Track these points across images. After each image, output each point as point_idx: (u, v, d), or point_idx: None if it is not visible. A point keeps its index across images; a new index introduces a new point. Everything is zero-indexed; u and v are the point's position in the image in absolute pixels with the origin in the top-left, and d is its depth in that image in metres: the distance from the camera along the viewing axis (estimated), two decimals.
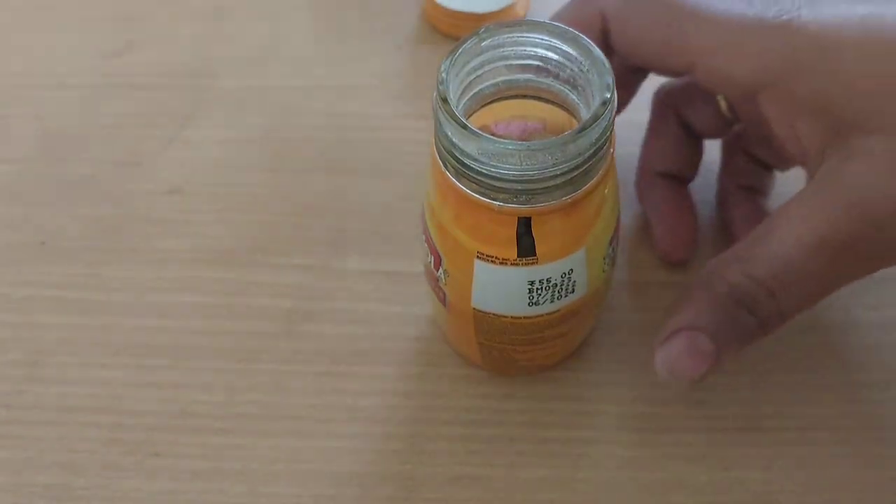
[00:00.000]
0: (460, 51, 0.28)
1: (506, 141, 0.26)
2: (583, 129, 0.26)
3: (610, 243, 0.31)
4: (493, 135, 0.28)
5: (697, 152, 0.37)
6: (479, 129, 0.28)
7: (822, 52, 0.28)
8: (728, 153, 0.38)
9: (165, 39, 0.46)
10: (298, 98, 0.44)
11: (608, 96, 0.27)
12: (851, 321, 0.36)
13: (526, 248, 0.28)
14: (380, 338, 0.37)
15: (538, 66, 0.29)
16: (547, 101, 0.30)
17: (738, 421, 0.34)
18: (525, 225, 0.28)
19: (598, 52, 0.28)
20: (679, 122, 0.36)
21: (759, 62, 0.29)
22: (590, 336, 0.36)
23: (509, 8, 0.45)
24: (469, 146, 0.26)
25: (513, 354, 0.33)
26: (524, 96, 0.30)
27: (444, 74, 0.27)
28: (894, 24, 0.27)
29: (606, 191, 0.29)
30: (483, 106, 0.30)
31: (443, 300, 0.32)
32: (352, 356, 0.37)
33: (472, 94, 0.29)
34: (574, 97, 0.29)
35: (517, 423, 0.35)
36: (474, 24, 0.45)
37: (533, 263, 0.29)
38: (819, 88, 0.28)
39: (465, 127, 0.26)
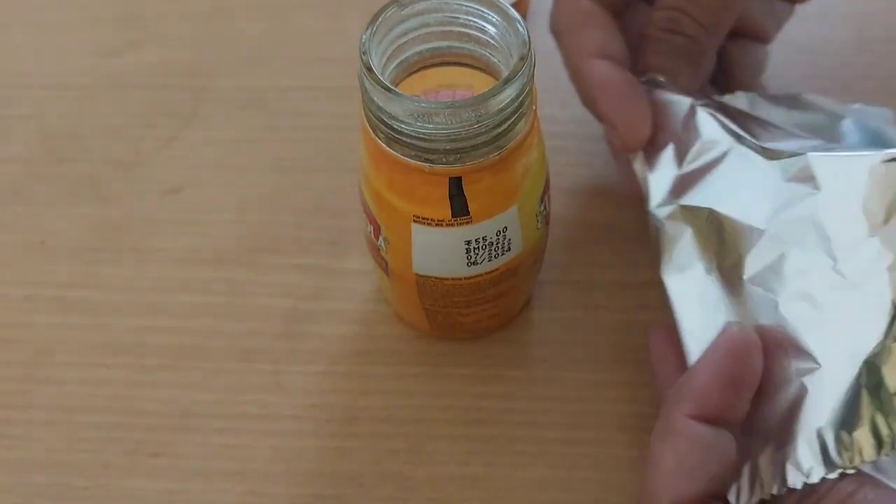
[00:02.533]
0: (381, 19, 0.29)
1: (430, 101, 0.27)
2: (503, 84, 0.27)
3: (541, 200, 0.32)
4: None
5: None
6: None
7: None
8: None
9: (165, 39, 0.46)
10: (298, 98, 0.44)
11: (525, 52, 0.28)
12: None
13: (459, 207, 0.29)
14: (379, 338, 0.37)
15: (459, 31, 0.30)
16: (471, 66, 0.31)
17: None
18: (456, 185, 0.29)
19: (513, 12, 0.29)
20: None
21: None
22: (591, 336, 0.36)
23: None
24: (396, 109, 0.27)
25: (457, 318, 0.34)
26: (449, 63, 0.31)
27: (366, 43, 0.28)
28: None
29: (533, 147, 0.30)
30: (409, 75, 0.31)
31: (386, 269, 0.33)
32: (352, 356, 0.37)
33: (396, 62, 0.30)
34: (496, 60, 0.30)
35: (517, 423, 0.35)
36: None
37: (467, 223, 0.30)
38: None
39: (390, 90, 0.27)
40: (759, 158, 0.31)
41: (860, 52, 0.44)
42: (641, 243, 0.39)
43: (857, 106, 0.35)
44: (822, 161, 0.30)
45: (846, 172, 0.29)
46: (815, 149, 0.31)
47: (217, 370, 0.36)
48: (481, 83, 0.30)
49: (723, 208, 0.31)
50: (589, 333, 0.37)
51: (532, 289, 0.37)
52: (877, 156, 0.29)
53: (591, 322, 0.37)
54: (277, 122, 0.43)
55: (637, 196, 0.35)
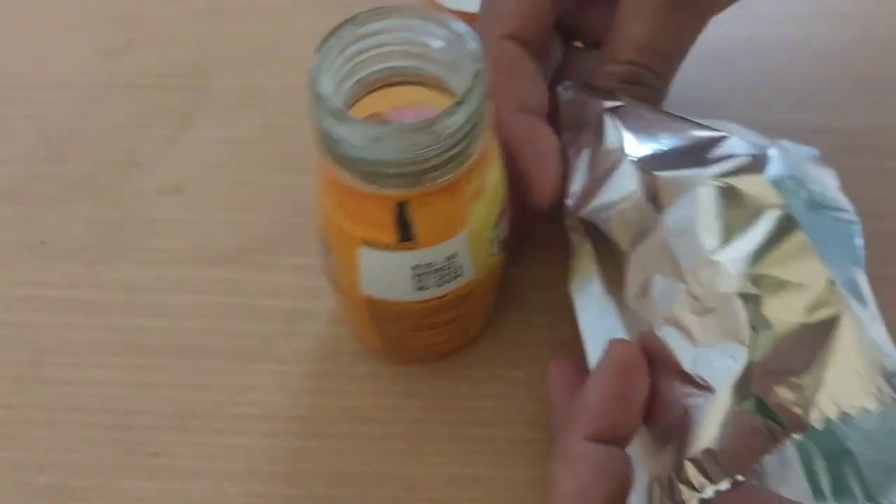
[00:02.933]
0: (333, 39, 0.28)
1: (379, 126, 0.26)
2: (454, 106, 0.26)
3: (496, 226, 0.31)
4: (383, 122, 0.29)
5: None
6: (371, 116, 0.28)
7: None
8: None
9: (165, 39, 0.46)
10: (298, 98, 0.44)
11: (478, 69, 0.27)
12: None
13: (405, 232, 0.29)
14: None
15: (418, 51, 0.29)
16: (434, 87, 0.30)
17: None
18: (404, 209, 0.28)
19: (468, 32, 0.28)
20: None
21: None
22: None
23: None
24: (344, 133, 0.27)
25: (409, 341, 0.34)
26: (412, 83, 0.30)
27: (316, 63, 0.27)
28: None
29: (486, 171, 0.30)
30: (370, 92, 0.30)
31: (338, 289, 0.33)
32: (351, 356, 0.36)
33: (353, 81, 0.29)
34: (455, 82, 0.29)
35: (517, 423, 0.35)
36: (474, 24, 0.45)
37: (413, 248, 0.29)
38: None
39: (338, 115, 0.26)
40: (636, 173, 0.31)
41: (860, 51, 0.44)
42: None
43: (783, 142, 0.34)
44: (666, 181, 0.30)
45: (684, 195, 0.29)
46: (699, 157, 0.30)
47: (217, 370, 0.36)
48: (443, 103, 0.29)
49: (603, 225, 0.31)
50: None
51: (488, 314, 0.36)
52: (706, 173, 0.29)
53: None
54: (277, 122, 0.43)
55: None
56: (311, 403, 0.35)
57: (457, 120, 0.26)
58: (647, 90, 0.34)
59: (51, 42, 0.47)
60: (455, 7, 0.44)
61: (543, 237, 0.39)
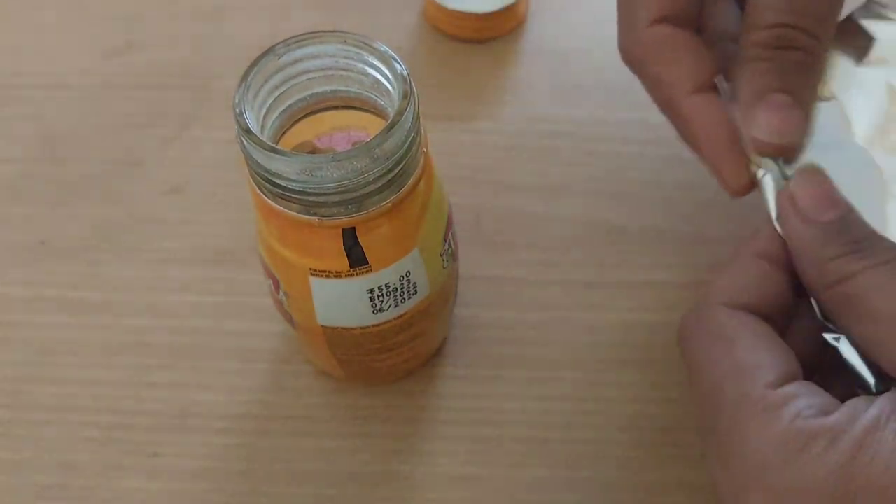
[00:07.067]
0: (254, 72, 0.27)
1: (315, 156, 0.26)
2: (388, 129, 0.26)
3: (444, 239, 0.31)
4: (315, 149, 0.28)
5: None
6: (301, 144, 0.28)
7: None
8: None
9: (165, 39, 0.46)
10: None
11: (406, 89, 0.26)
12: None
13: (356, 258, 0.28)
14: None
15: (342, 75, 0.29)
16: (361, 109, 0.29)
17: None
18: (351, 235, 0.28)
19: (390, 52, 0.27)
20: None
21: None
22: (591, 337, 0.36)
23: (510, 7, 0.45)
24: (279, 167, 0.26)
25: (372, 364, 0.33)
26: (340, 107, 0.29)
27: (240, 103, 0.27)
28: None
29: (428, 188, 0.29)
30: (298, 120, 0.29)
31: (291, 322, 0.32)
32: None
33: (279, 111, 0.29)
34: (383, 102, 0.28)
35: (517, 423, 0.35)
36: (475, 23, 0.45)
37: (367, 272, 0.29)
38: None
39: (270, 149, 0.26)
40: None
41: None
42: (642, 243, 0.39)
43: None
44: None
45: None
46: None
47: (217, 370, 0.36)
48: (375, 125, 0.29)
49: None
50: (589, 334, 0.37)
51: (447, 327, 0.36)
52: None
53: (592, 322, 0.37)
54: None
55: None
56: (311, 403, 0.36)
57: (393, 142, 0.26)
58: (803, 55, 0.30)
59: (51, 42, 0.47)
60: (456, 7, 0.44)
61: (540, 240, 0.39)
